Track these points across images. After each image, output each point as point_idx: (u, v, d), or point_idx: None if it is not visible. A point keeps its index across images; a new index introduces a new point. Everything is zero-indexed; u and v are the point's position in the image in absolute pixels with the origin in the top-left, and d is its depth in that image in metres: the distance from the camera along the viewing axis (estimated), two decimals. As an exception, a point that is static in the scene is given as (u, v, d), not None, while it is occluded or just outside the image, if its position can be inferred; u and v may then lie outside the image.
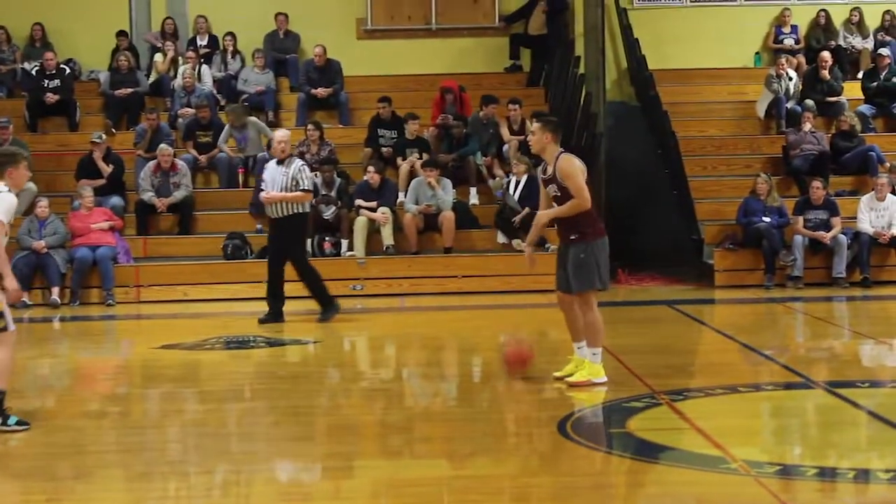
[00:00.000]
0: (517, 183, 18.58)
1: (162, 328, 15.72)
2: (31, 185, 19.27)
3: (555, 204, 10.45)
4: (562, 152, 10.38)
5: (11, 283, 9.01)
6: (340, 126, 21.69)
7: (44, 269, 17.79)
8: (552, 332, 14.12)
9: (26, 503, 7.46)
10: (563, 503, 7.24)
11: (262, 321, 15.05)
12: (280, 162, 15.06)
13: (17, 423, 9.18)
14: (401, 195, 19.06)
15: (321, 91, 21.73)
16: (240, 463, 8.32)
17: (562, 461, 8.18)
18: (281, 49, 22.83)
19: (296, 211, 14.95)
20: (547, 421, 9.26)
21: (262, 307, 15.19)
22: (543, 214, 10.61)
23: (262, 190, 15.37)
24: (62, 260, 17.79)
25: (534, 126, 10.52)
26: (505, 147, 20.11)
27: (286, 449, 8.80)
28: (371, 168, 18.92)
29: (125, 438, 9.19)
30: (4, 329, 9.06)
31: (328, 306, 15.35)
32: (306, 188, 15.02)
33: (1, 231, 9.03)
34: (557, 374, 10.70)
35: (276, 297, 15.18)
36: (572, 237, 10.37)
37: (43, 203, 18.09)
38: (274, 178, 14.97)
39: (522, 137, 18.67)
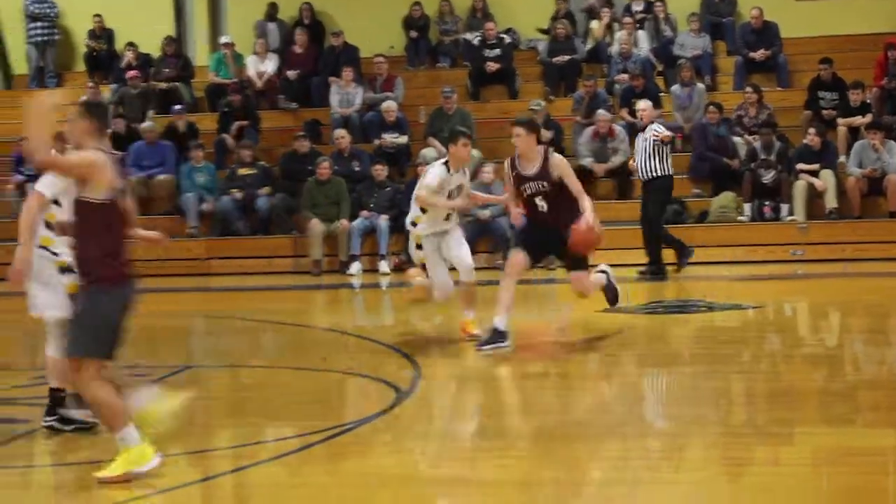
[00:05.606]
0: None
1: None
2: (476, 153, 19.88)
3: None
4: None
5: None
6: (779, 89, 21.20)
7: (490, 234, 18.44)
8: None
9: (481, 460, 7.69)
10: None
11: None
12: None
13: None
14: (842, 157, 18.50)
15: (759, 54, 21.34)
16: (678, 426, 8.30)
17: None
18: (717, 12, 22.54)
19: None
20: None
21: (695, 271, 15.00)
22: None
23: None
24: (506, 224, 18.26)
25: None
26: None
27: (724, 413, 8.72)
28: (811, 131, 18.47)
29: (564, 400, 9.34)
30: None
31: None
32: None
33: None
34: None
35: None
36: None
37: (487, 169, 18.62)
38: None
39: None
